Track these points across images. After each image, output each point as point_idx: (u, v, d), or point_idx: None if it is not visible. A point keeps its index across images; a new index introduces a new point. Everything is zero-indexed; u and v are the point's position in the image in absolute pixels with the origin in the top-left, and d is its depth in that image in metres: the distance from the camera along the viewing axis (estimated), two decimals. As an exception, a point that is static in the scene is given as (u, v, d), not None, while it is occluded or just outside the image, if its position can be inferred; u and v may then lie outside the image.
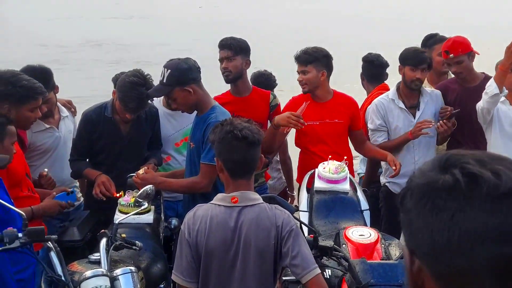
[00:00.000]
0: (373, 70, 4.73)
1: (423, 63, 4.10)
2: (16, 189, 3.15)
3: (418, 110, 4.19)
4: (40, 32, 17.31)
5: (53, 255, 2.63)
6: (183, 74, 3.25)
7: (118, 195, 3.43)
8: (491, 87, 3.72)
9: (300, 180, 4.16)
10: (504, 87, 3.76)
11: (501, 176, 0.83)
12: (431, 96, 4.23)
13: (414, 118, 4.19)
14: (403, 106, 4.19)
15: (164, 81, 3.29)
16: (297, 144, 4.14)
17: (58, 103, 3.92)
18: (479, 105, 3.81)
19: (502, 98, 3.91)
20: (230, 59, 3.97)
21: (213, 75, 4.42)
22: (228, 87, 4.17)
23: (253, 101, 4.13)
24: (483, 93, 3.78)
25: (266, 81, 5.07)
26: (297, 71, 3.99)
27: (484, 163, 0.86)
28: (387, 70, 4.83)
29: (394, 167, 3.92)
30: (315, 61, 3.92)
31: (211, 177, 3.22)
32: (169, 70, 3.27)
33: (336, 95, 4.09)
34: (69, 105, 4.14)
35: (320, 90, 3.99)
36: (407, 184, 0.93)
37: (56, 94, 3.87)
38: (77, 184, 4.08)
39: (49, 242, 2.62)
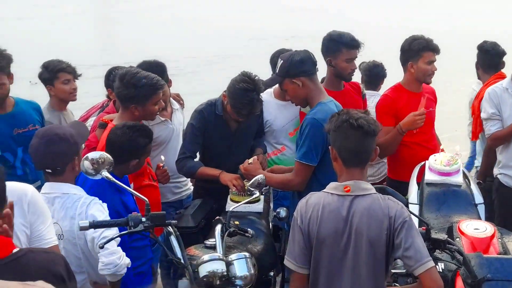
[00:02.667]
0: (489, 59, 4.56)
1: None
2: (139, 179, 3.37)
3: None
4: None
5: (173, 239, 2.77)
6: (293, 66, 3.27)
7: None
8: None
9: (392, 174, 4.14)
10: None
11: None
12: None
13: None
14: None
15: (277, 71, 3.37)
16: None
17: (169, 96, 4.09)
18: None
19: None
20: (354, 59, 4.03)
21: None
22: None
23: (349, 93, 4.12)
24: None
25: (380, 71, 5.09)
26: (431, 60, 3.97)
27: None
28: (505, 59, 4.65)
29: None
30: None
31: (304, 175, 3.26)
32: (281, 61, 3.33)
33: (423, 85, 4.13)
34: (178, 98, 4.32)
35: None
36: None
37: (170, 88, 4.06)
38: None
39: (170, 227, 2.78)
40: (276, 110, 4.05)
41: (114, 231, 2.71)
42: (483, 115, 4.15)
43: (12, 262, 1.69)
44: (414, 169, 3.78)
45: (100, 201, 2.81)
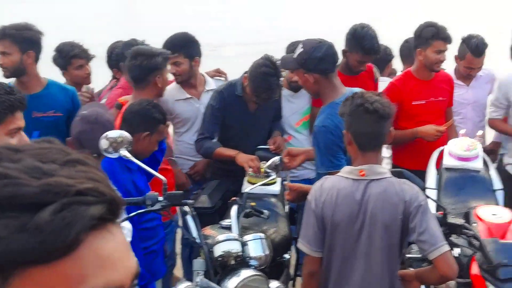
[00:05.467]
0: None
1: None
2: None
3: None
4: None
5: (189, 218, 2.80)
6: (311, 61, 3.03)
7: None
8: None
9: (397, 161, 4.12)
10: None
11: None
12: None
13: None
14: None
15: (295, 56, 3.16)
16: (395, 125, 4.03)
17: (206, 76, 4.11)
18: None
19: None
20: None
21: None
22: None
23: (362, 78, 4.04)
24: None
25: (384, 55, 5.01)
26: (440, 50, 3.87)
27: None
28: None
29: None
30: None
31: None
32: (302, 49, 3.10)
33: (436, 72, 4.00)
34: (218, 73, 4.28)
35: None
36: None
37: (195, 67, 3.98)
38: None
39: (187, 207, 2.81)
40: (283, 100, 4.02)
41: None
42: (491, 97, 4.16)
43: None
44: (423, 156, 3.74)
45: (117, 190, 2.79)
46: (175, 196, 2.73)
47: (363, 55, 3.86)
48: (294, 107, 4.07)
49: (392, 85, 4.06)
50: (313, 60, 3.01)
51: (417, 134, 3.85)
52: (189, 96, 3.99)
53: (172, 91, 3.96)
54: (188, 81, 4.00)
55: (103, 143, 2.74)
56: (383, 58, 5.04)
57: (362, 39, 3.81)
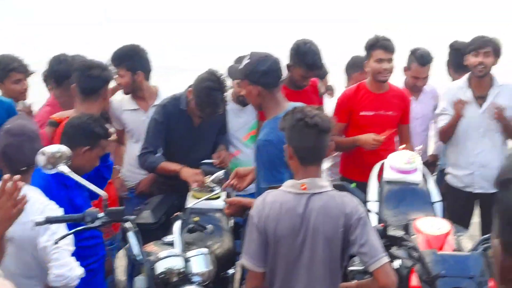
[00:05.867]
0: (461, 58, 4.60)
1: (485, 47, 3.97)
2: None
3: (486, 101, 4.08)
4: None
5: (131, 235, 2.74)
6: (255, 73, 3.01)
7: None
8: None
9: (344, 171, 4.19)
10: None
11: None
12: (505, 89, 4.09)
13: (481, 108, 4.09)
14: (470, 96, 4.10)
15: (241, 67, 3.13)
16: (346, 134, 4.12)
17: (160, 90, 4.12)
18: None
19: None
20: None
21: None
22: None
23: (307, 93, 4.07)
24: None
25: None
26: (380, 59, 3.94)
27: None
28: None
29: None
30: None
31: None
32: (248, 60, 3.08)
33: (392, 87, 4.09)
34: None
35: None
36: (509, 174, 0.84)
37: (138, 81, 3.97)
38: None
39: (128, 222, 2.75)
40: (231, 114, 4.04)
41: (62, 230, 2.61)
42: (437, 111, 4.28)
43: None
44: (370, 168, 3.81)
45: (57, 206, 2.70)
46: (116, 212, 2.68)
47: (306, 70, 3.90)
48: (242, 121, 4.08)
49: (344, 94, 4.16)
50: (257, 72, 3.00)
51: (355, 142, 3.94)
52: (137, 107, 4.01)
53: (123, 100, 4.03)
54: (135, 93, 4.00)
55: (40, 159, 2.66)
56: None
57: (304, 55, 3.85)
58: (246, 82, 3.08)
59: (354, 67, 4.65)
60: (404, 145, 3.88)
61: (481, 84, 4.09)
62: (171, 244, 2.88)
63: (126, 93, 4.03)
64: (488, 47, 3.99)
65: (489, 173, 3.92)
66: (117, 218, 2.73)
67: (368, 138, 3.87)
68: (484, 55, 3.99)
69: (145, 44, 4.19)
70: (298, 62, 3.89)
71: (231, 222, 3.61)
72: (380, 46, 3.93)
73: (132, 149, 4.03)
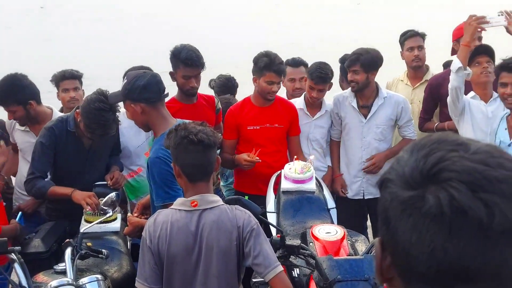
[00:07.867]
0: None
1: (352, 65, 4.19)
2: None
3: (370, 111, 4.28)
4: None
5: (17, 266, 2.61)
6: (134, 90, 2.95)
7: None
8: (454, 63, 3.77)
9: (238, 186, 4.25)
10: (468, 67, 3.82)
11: (494, 213, 0.76)
12: (389, 100, 4.29)
13: (365, 118, 4.28)
14: (355, 105, 4.28)
15: (120, 89, 3.12)
16: (238, 149, 4.15)
17: (56, 111, 4.05)
18: (450, 86, 3.82)
19: (472, 94, 3.99)
20: None
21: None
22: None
23: (201, 107, 4.06)
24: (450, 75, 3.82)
25: (233, 85, 5.14)
26: (272, 81, 3.97)
27: (478, 185, 0.77)
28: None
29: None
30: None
31: None
32: (125, 81, 3.05)
33: (277, 100, 4.14)
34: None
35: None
36: (387, 174, 0.86)
37: (32, 110, 3.84)
38: None
39: (13, 254, 2.60)
40: (129, 131, 3.93)
41: None
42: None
43: None
44: (262, 181, 3.87)
45: None
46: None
47: (184, 67, 3.82)
48: (143, 136, 3.98)
49: (230, 111, 4.17)
50: (136, 89, 2.95)
51: (234, 161, 4.04)
52: (27, 129, 3.93)
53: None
54: (31, 121, 3.94)
55: None
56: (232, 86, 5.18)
57: (179, 53, 3.81)
58: (128, 103, 3.02)
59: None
60: (295, 156, 3.92)
61: (365, 94, 4.28)
62: (63, 272, 2.75)
63: (23, 125, 3.94)
64: (356, 65, 4.16)
65: (376, 179, 4.06)
66: (1, 250, 2.57)
67: (241, 158, 3.95)
68: (353, 73, 4.19)
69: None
70: (175, 62, 3.85)
71: (129, 244, 3.51)
72: (273, 69, 3.93)
73: (23, 171, 3.85)
